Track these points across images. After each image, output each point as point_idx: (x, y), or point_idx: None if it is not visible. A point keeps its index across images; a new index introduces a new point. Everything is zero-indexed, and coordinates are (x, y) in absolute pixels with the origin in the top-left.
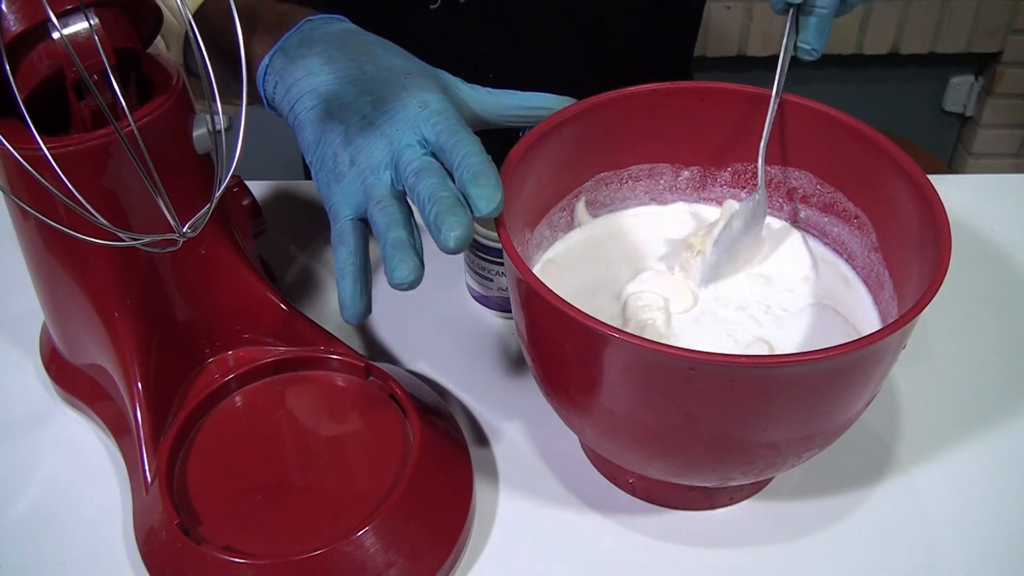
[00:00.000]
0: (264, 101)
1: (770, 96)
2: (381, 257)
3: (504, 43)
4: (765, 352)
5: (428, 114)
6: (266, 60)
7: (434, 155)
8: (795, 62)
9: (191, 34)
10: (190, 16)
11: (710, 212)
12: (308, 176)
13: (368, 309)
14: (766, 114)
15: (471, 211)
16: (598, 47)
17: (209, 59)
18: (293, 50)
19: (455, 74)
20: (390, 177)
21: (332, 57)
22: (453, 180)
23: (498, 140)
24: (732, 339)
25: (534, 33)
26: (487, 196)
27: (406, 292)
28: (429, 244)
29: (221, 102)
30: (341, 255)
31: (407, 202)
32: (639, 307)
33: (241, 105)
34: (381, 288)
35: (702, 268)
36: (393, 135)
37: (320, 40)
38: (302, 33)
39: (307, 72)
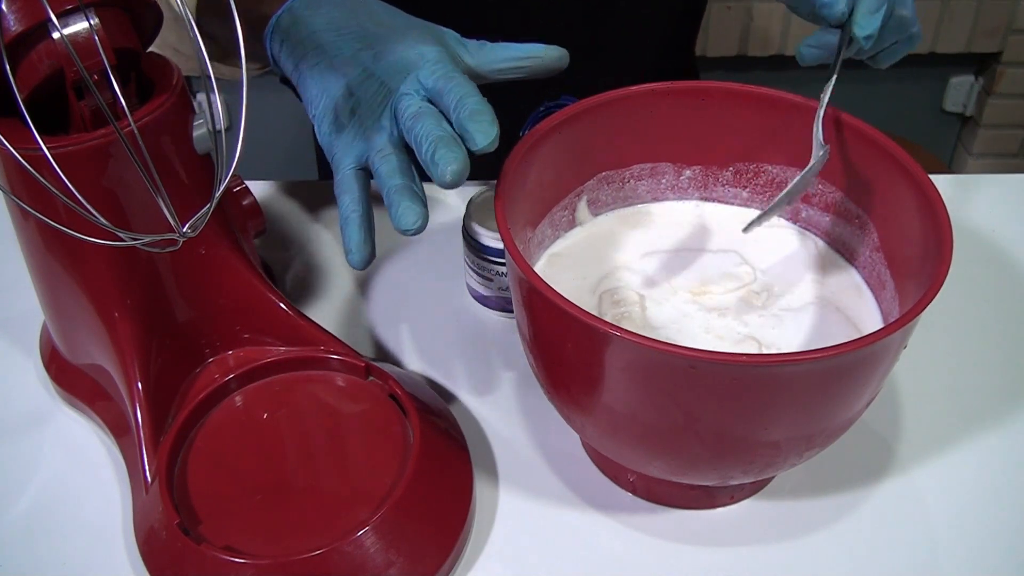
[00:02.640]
0: (271, 60)
1: (771, 96)
2: (386, 205)
3: (512, 19)
4: (754, 350)
5: (425, 63)
6: (273, 20)
7: (431, 102)
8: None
9: (191, 33)
10: (190, 15)
11: (712, 211)
12: (310, 175)
13: (373, 254)
14: (767, 113)
15: (472, 146)
16: (605, 30)
17: (221, 19)
18: (299, 11)
19: None
20: (389, 125)
21: (334, 17)
22: (451, 124)
23: (501, 139)
24: (713, 335)
25: (542, 13)
26: (484, 130)
27: (403, 294)
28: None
29: (233, 65)
30: (345, 203)
31: (408, 151)
32: (614, 301)
33: (241, 106)
34: (382, 288)
35: (760, 214)
36: (392, 84)
37: (325, 2)
38: None
39: (311, 31)
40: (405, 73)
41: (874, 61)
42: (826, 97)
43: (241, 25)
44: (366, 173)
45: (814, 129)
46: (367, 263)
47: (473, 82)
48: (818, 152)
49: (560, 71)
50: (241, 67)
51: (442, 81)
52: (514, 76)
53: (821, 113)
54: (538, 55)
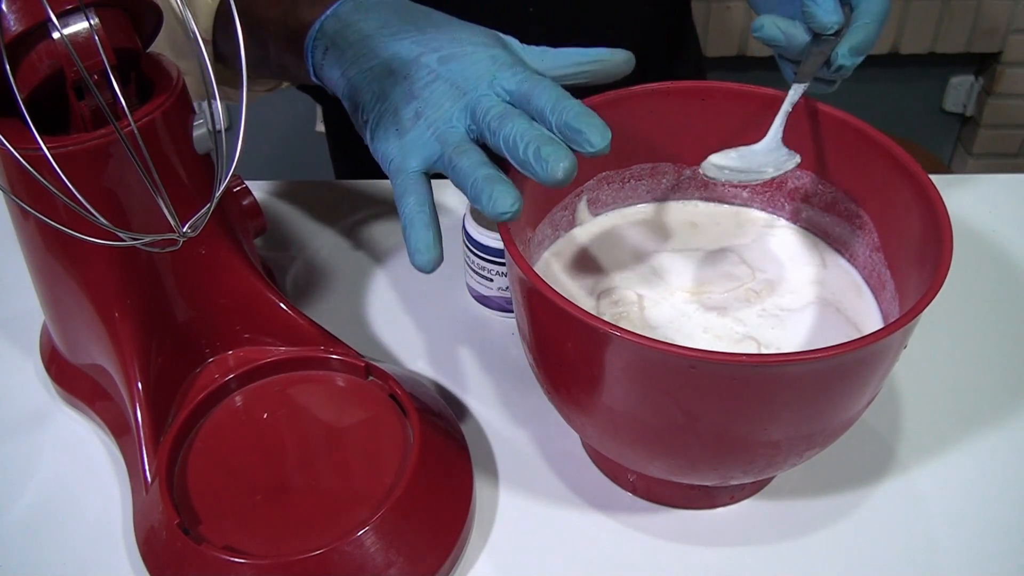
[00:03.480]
0: (310, 70)
1: (771, 96)
2: (469, 197)
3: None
4: (753, 350)
5: (500, 67)
6: (316, 25)
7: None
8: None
9: (191, 34)
10: (191, 16)
11: (712, 211)
12: (310, 175)
13: (441, 256)
14: (767, 113)
15: (583, 148)
16: (615, 24)
17: (248, 33)
18: (347, 16)
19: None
20: (463, 126)
21: (389, 22)
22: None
23: None
24: (712, 335)
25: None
26: (600, 130)
27: (403, 294)
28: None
29: (258, 81)
30: (409, 204)
31: (487, 149)
32: (612, 301)
33: (241, 105)
34: (381, 288)
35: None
36: (466, 86)
37: (375, 7)
38: (356, 0)
39: (362, 36)
40: (481, 75)
41: (839, 75)
42: (793, 97)
43: (272, 36)
44: (429, 177)
45: (776, 122)
46: (436, 265)
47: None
48: (786, 157)
49: (627, 75)
50: (241, 68)
51: (527, 84)
52: (578, 82)
53: (787, 109)
54: (604, 58)
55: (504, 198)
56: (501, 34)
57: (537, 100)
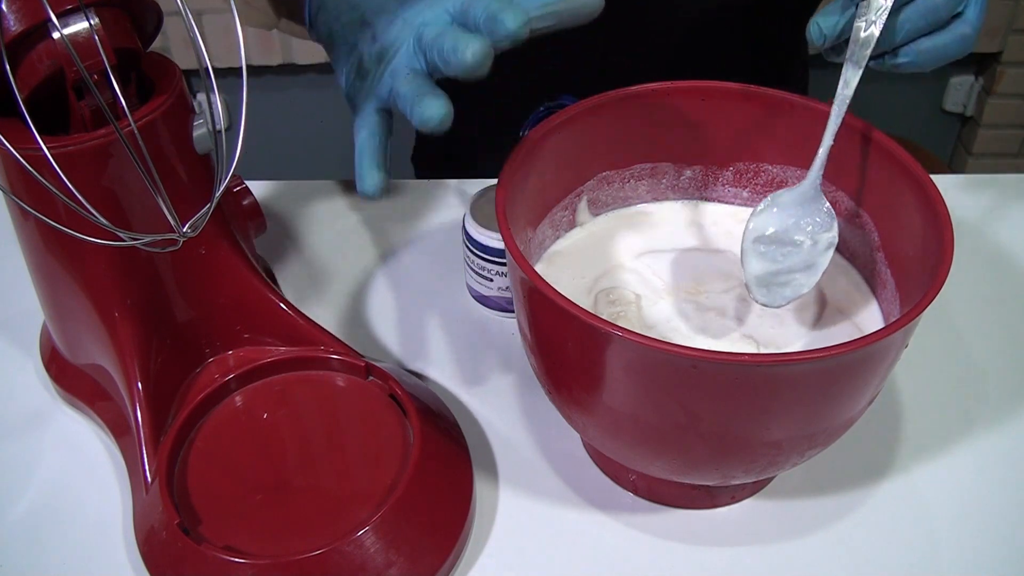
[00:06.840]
0: (307, 28)
1: (771, 96)
2: (408, 117)
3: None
4: (752, 350)
5: None
6: None
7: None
8: (796, 63)
9: (191, 34)
10: (190, 15)
11: (712, 211)
12: (310, 175)
13: (385, 182)
14: (767, 113)
15: (500, 30)
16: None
17: None
18: None
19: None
20: (411, 51)
21: None
22: None
23: (502, 139)
24: (709, 334)
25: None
26: (514, 12)
27: (403, 294)
28: (435, 250)
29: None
30: (362, 136)
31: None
32: (610, 301)
33: (241, 106)
34: (381, 288)
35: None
36: (414, 18)
37: None
38: None
39: None
40: (429, 4)
41: (896, 60)
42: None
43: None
44: (387, 114)
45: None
46: (379, 189)
47: None
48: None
49: (592, 17)
50: (242, 68)
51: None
52: (546, 24)
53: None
54: None
55: (428, 107)
56: None
57: (473, 10)
